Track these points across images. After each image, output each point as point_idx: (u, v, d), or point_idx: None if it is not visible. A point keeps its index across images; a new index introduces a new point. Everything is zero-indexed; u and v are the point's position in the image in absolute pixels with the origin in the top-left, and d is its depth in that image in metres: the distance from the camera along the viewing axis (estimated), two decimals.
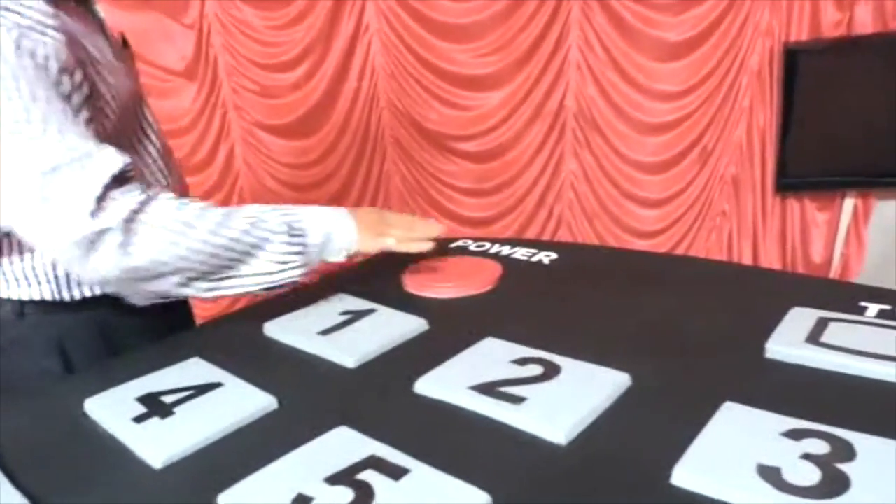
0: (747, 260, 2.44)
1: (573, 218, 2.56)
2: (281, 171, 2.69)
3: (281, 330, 0.95)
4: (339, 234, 0.98)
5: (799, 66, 2.11)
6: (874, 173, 2.25)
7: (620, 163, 2.42)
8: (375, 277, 1.21)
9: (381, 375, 0.82)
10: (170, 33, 2.48)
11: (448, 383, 0.76)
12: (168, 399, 0.77)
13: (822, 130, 2.21)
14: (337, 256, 1.00)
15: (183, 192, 1.14)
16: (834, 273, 2.42)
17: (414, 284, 1.11)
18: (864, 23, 2.11)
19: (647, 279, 1.06)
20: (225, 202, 2.72)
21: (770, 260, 2.42)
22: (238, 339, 0.96)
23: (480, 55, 2.37)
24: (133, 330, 0.98)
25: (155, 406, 0.75)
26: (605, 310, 0.95)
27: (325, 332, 0.92)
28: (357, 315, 0.98)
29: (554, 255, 1.22)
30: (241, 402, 0.75)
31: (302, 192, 2.71)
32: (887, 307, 0.86)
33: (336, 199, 2.69)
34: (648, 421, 0.67)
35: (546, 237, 2.59)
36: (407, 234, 1.06)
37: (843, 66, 2.13)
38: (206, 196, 2.72)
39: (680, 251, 2.47)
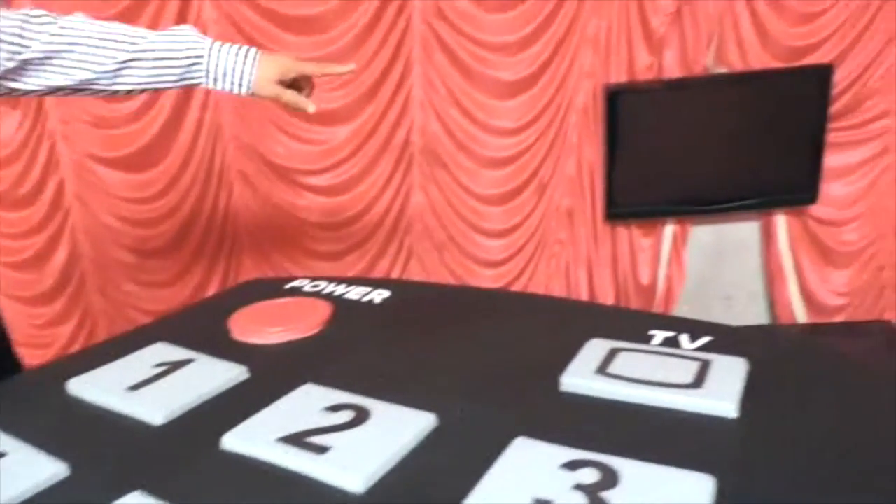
0: (583, 284, 2.60)
1: (423, 250, 2.61)
2: (119, 206, 2.54)
3: (86, 387, 0.90)
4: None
5: (618, 105, 2.29)
6: (688, 202, 2.48)
7: (465, 195, 2.50)
8: (200, 324, 1.17)
9: (190, 431, 0.79)
10: None
11: (256, 436, 0.75)
12: None
13: (642, 163, 2.41)
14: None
15: None
16: (660, 293, 2.63)
17: (240, 330, 1.09)
18: (672, 67, 2.34)
19: (470, 316, 1.11)
20: (53, 240, 2.52)
21: (603, 284, 2.59)
22: (34, 399, 0.89)
23: (326, 90, 2.38)
24: None
25: None
26: (424, 349, 0.98)
27: (136, 387, 0.88)
28: (173, 366, 0.94)
29: (386, 294, 1.24)
30: (24, 472, 0.69)
31: (143, 228, 2.57)
32: (671, 334, 0.95)
33: (181, 234, 2.58)
34: (447, 461, 0.69)
35: (397, 269, 2.62)
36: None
37: (656, 106, 2.35)
38: (31, 234, 2.51)
39: (524, 278, 2.59)
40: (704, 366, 0.82)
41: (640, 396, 0.78)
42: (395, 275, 2.64)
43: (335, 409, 0.79)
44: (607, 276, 2.61)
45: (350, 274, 2.59)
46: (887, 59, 2.33)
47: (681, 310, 2.66)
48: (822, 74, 2.28)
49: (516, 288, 2.61)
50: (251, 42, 2.33)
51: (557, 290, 2.62)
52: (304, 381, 0.87)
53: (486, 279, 2.60)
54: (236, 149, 2.49)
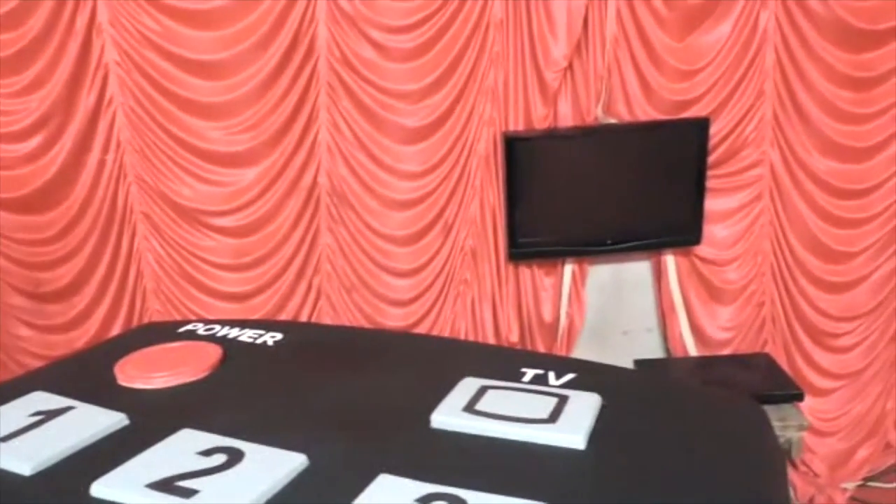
0: (489, 322, 2.67)
1: (332, 290, 2.62)
2: (13, 249, 2.45)
3: None
4: None
5: (516, 152, 2.41)
6: (585, 243, 2.61)
7: (373, 236, 2.55)
8: (85, 371, 1.15)
9: (60, 481, 0.79)
10: None
11: (127, 482, 0.75)
12: None
13: (541, 207, 2.53)
14: None
15: None
16: (562, 329, 2.74)
17: (125, 376, 1.08)
18: (566, 117, 2.49)
19: (356, 357, 1.14)
20: None
21: (508, 321, 2.67)
22: None
23: (233, 133, 2.39)
24: None
25: None
26: (306, 391, 1.00)
27: (6, 438, 0.87)
28: (49, 415, 0.93)
29: (279, 336, 1.26)
30: None
31: (39, 271, 2.48)
32: (540, 372, 1.02)
33: (81, 276, 2.50)
34: (313, 499, 0.72)
35: (306, 309, 2.62)
36: None
37: (552, 153, 2.48)
38: None
39: (431, 317, 2.64)
40: (562, 401, 0.88)
41: (501, 431, 0.83)
42: (304, 315, 2.65)
43: (209, 452, 0.80)
44: (512, 313, 2.70)
45: (258, 315, 2.58)
46: (758, 113, 2.55)
47: (582, 345, 2.77)
48: (701, 126, 2.47)
49: (424, 325, 2.65)
50: (155, 85, 2.33)
51: (463, 328, 2.68)
52: (183, 426, 0.88)
53: (395, 318, 2.64)
54: (140, 190, 2.46)
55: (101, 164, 2.41)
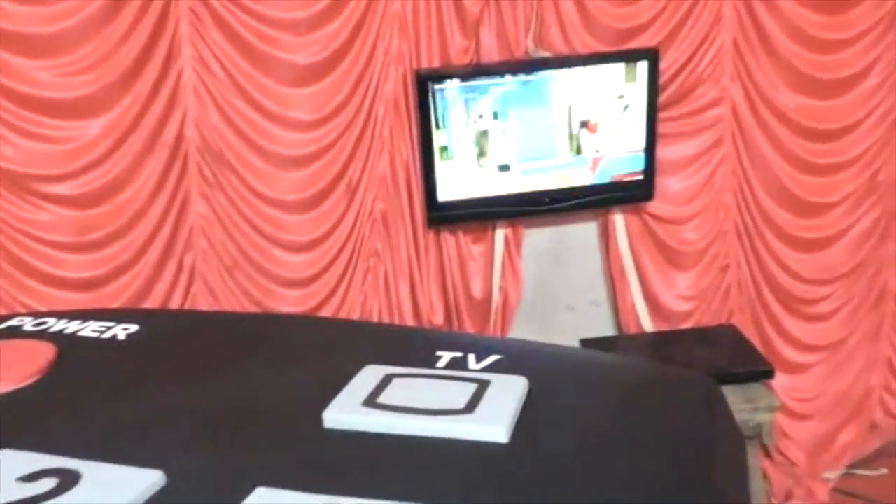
0: (407, 301, 2.67)
1: (209, 270, 2.55)
2: None
3: None
4: None
5: (431, 93, 2.39)
6: (519, 203, 2.63)
7: (259, 203, 2.48)
8: None
9: None
10: None
11: None
12: None
13: (464, 160, 2.53)
14: None
15: None
16: (496, 306, 2.76)
17: None
18: (490, 49, 2.48)
19: (233, 348, 1.11)
20: None
21: (430, 300, 2.67)
22: None
23: (68, 74, 2.26)
24: None
25: None
26: (165, 393, 0.97)
27: None
28: None
29: (133, 328, 1.21)
30: None
31: None
32: (458, 354, 1.02)
33: None
34: None
35: (177, 295, 2.54)
36: None
37: (474, 94, 2.47)
38: None
39: (335, 299, 2.61)
40: (482, 387, 0.89)
41: (408, 427, 0.83)
42: (174, 302, 2.57)
43: (33, 477, 0.77)
44: (435, 289, 2.70)
45: (115, 305, 2.49)
46: (715, 42, 2.62)
47: (519, 324, 2.81)
48: (649, 59, 2.50)
49: (327, 310, 2.63)
50: None
51: (377, 310, 2.67)
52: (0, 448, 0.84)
53: (291, 302, 2.60)
54: None
55: None
